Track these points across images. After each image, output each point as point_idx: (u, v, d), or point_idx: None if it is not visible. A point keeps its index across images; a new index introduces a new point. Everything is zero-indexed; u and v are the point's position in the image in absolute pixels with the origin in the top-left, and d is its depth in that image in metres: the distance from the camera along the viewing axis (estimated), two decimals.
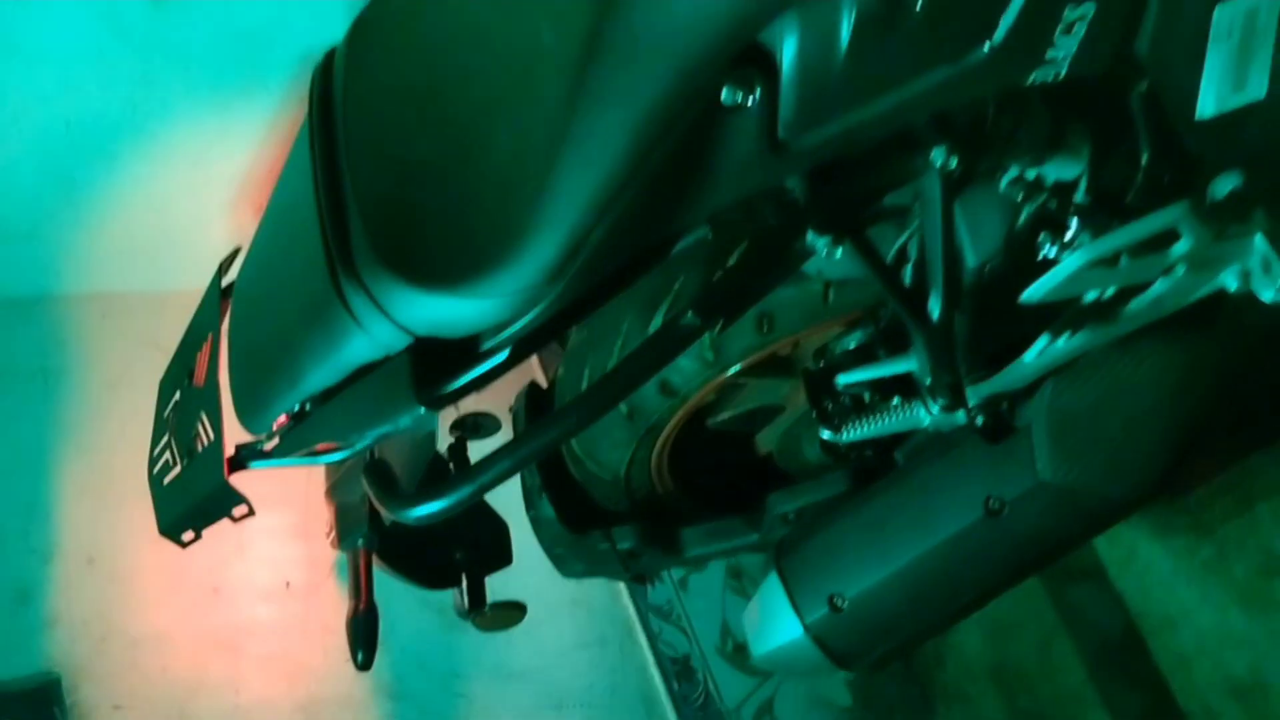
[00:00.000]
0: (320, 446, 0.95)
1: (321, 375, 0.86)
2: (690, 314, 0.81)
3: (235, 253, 1.12)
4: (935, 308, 0.86)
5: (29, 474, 1.30)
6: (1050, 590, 1.38)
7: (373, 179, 0.82)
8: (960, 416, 0.91)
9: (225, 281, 1.11)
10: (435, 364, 0.80)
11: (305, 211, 0.85)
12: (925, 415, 0.92)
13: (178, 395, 1.13)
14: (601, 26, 0.67)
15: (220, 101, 1.29)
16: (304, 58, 1.28)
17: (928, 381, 0.90)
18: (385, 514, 0.87)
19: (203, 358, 1.09)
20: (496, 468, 0.83)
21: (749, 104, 0.68)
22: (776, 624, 1.03)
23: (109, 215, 1.40)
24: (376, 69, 0.88)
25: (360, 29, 0.92)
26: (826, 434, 0.98)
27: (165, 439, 1.13)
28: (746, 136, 0.71)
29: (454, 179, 0.77)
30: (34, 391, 1.37)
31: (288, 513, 1.39)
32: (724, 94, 0.68)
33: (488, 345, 0.79)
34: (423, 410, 0.78)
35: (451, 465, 1.30)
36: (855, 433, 0.96)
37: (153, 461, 1.14)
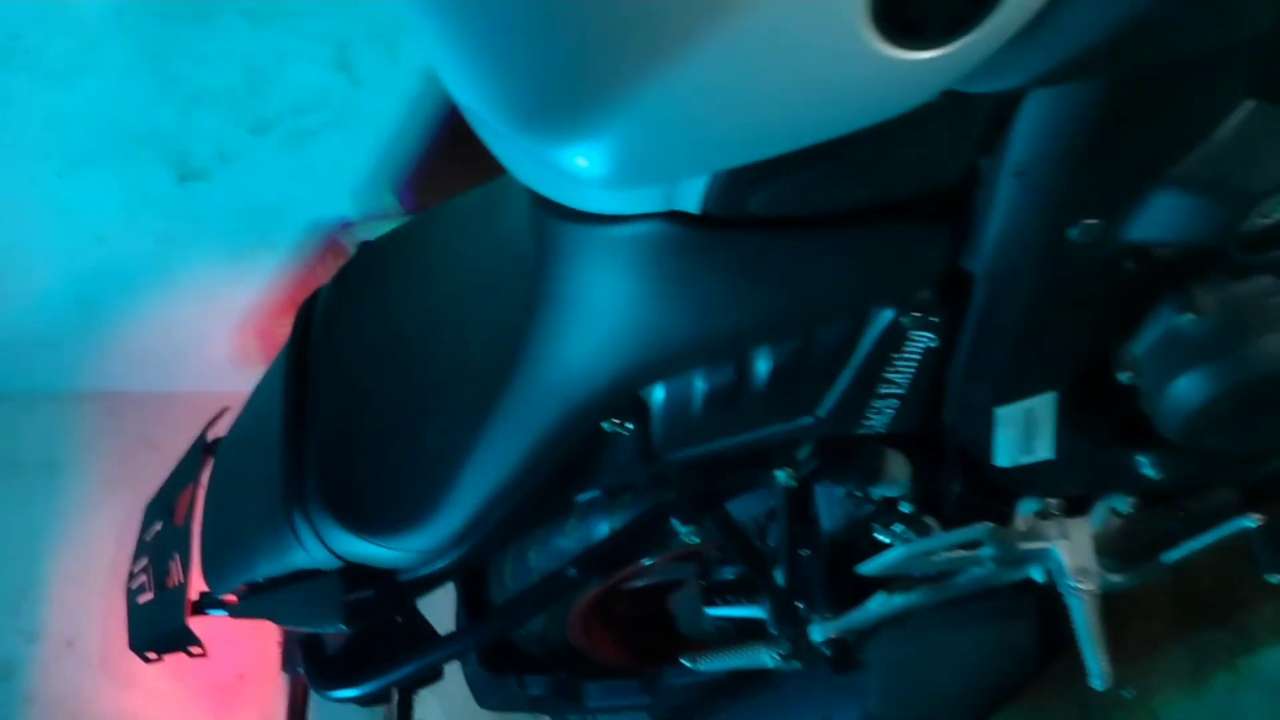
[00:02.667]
0: None
1: (268, 568, 1.06)
2: (572, 569, 1.01)
3: (222, 412, 1.32)
4: (780, 576, 1.06)
5: (25, 559, 1.50)
6: None
7: (330, 422, 1.02)
8: (797, 665, 1.10)
9: (211, 436, 1.31)
10: (362, 584, 1.00)
11: (273, 429, 1.05)
12: (769, 659, 1.11)
13: (159, 526, 1.33)
14: (513, 373, 0.87)
15: (232, 254, 1.50)
16: (310, 226, 1.49)
17: (774, 633, 1.10)
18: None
19: (183, 500, 1.29)
20: (409, 666, 1.04)
21: (625, 432, 0.88)
22: None
23: (120, 325, 1.60)
24: (350, 320, 1.08)
25: (344, 277, 1.12)
26: (687, 662, 1.18)
27: (144, 562, 1.33)
28: (625, 450, 0.91)
29: (393, 445, 0.97)
30: (37, 483, 1.57)
31: None
32: (605, 425, 0.88)
33: (405, 578, 1.00)
34: (343, 626, 0.98)
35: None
36: (712, 663, 1.15)
37: (131, 578, 1.34)
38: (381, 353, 1.03)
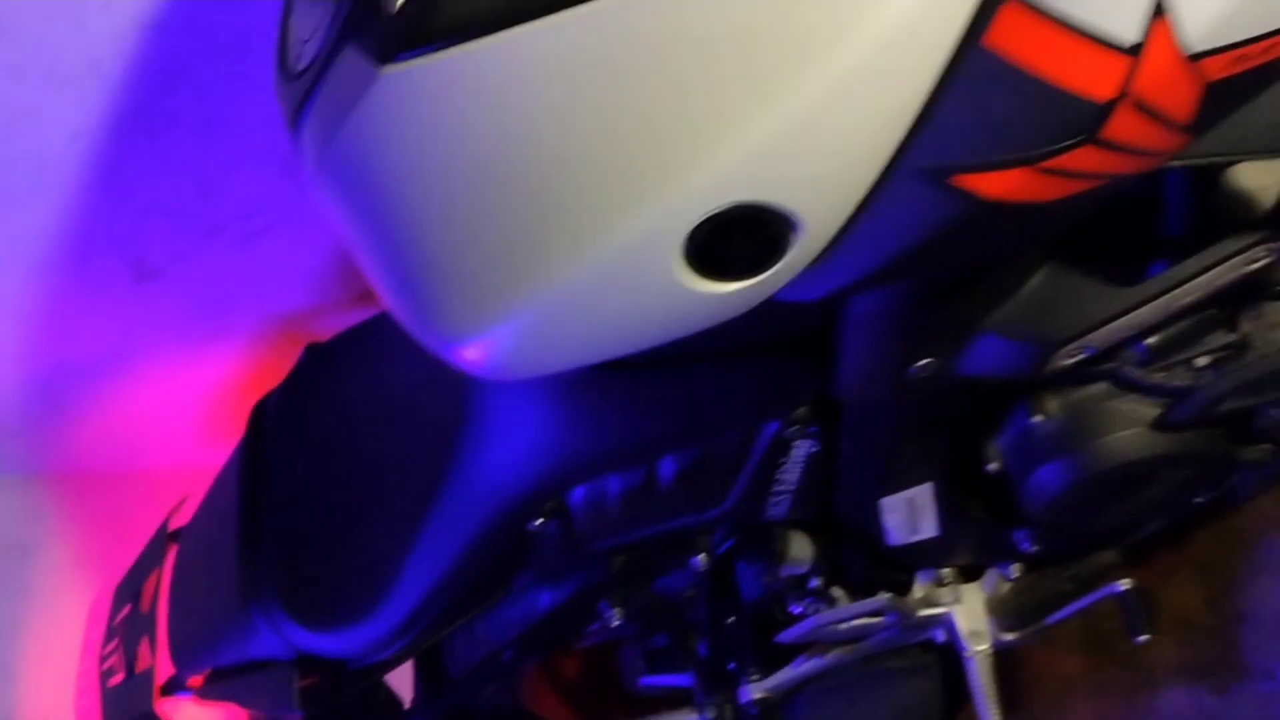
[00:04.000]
0: None
1: (230, 655, 1.15)
2: (510, 651, 1.11)
3: (183, 501, 1.41)
4: (703, 649, 1.17)
5: None
6: None
7: (282, 521, 1.12)
8: None
9: (174, 525, 1.40)
10: (317, 672, 1.10)
11: (231, 526, 1.15)
12: None
13: (128, 609, 1.42)
14: (445, 479, 0.97)
15: (190, 343, 1.59)
16: (265, 315, 1.59)
17: (699, 699, 1.20)
18: None
19: (149, 586, 1.38)
20: None
21: (549, 530, 0.99)
22: None
23: (83, 410, 1.69)
24: (299, 423, 1.18)
25: (293, 380, 1.22)
26: None
27: (115, 643, 1.42)
28: (552, 544, 1.01)
29: (339, 544, 1.07)
30: (5, 565, 1.66)
31: None
32: (530, 526, 0.98)
33: (358, 666, 1.10)
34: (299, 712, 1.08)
35: None
36: None
37: (103, 659, 1.44)
38: (328, 455, 1.13)
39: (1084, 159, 0.49)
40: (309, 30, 0.63)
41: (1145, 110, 0.46)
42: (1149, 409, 0.87)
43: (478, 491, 0.97)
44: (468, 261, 0.56)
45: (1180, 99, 0.47)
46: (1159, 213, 0.72)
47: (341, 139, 0.57)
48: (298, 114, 0.62)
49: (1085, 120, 0.47)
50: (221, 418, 1.75)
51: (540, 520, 0.97)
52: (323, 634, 1.04)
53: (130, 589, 1.42)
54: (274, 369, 1.31)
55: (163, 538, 1.39)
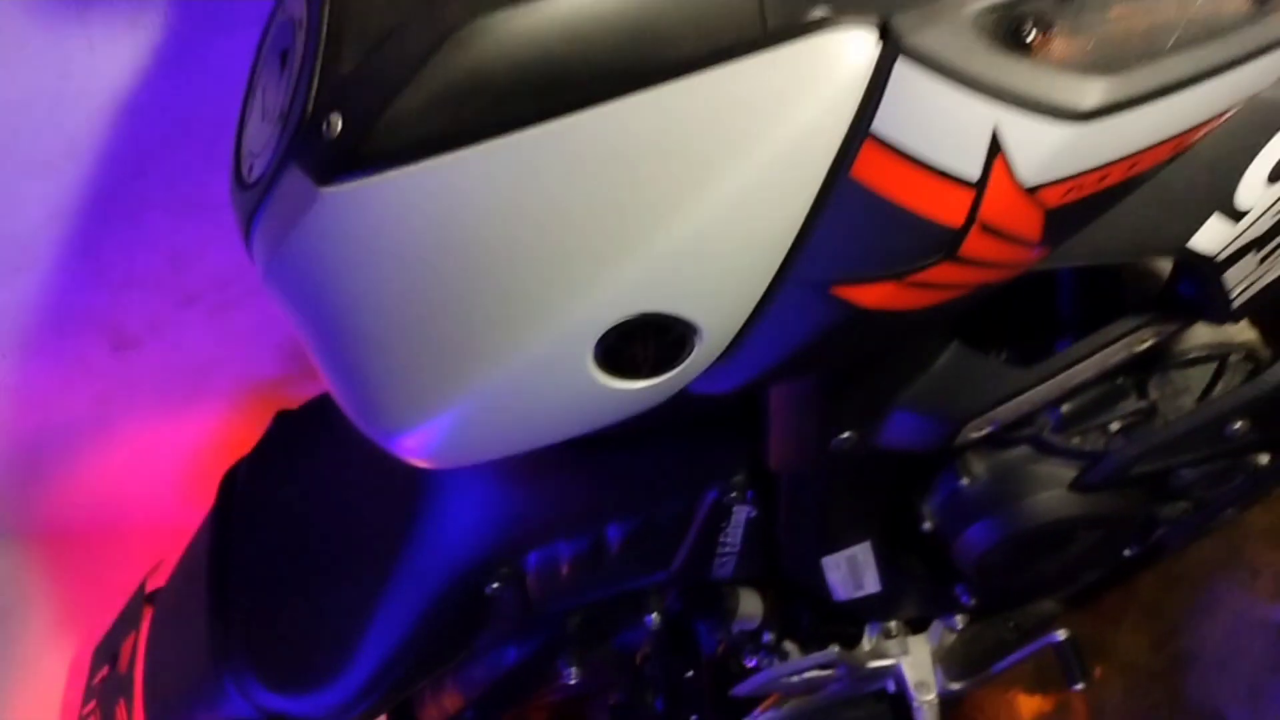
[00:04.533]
0: None
1: (202, 718, 1.19)
2: (470, 712, 1.16)
3: (159, 564, 1.46)
4: (659, 704, 1.21)
5: None
6: None
7: (251, 587, 1.16)
8: None
9: (150, 587, 1.44)
10: None
11: (202, 592, 1.20)
12: None
13: (106, 670, 1.46)
14: (403, 546, 1.02)
15: (166, 409, 1.64)
16: (240, 384, 1.64)
17: None
18: None
19: (126, 648, 1.42)
20: None
21: (505, 594, 1.03)
22: None
23: (63, 474, 1.74)
24: (267, 490, 1.23)
25: (262, 448, 1.27)
26: None
27: (93, 704, 1.46)
28: (508, 607, 1.06)
29: (305, 610, 1.12)
30: None
31: None
32: (487, 590, 1.03)
33: None
34: None
35: None
36: None
37: (82, 719, 1.47)
38: (295, 520, 1.17)
39: (945, 273, 0.54)
40: (260, 145, 0.69)
41: (995, 233, 0.52)
42: (1068, 471, 0.93)
43: (434, 558, 1.02)
44: (400, 365, 0.61)
45: (1025, 223, 0.53)
46: (1056, 294, 0.78)
47: (286, 251, 0.63)
48: (249, 224, 0.68)
49: (942, 242, 0.53)
50: (197, 481, 1.79)
51: (496, 584, 1.02)
52: (290, 697, 1.08)
53: (108, 650, 1.45)
54: (246, 434, 1.36)
55: (140, 600, 1.43)
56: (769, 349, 0.60)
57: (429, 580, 1.03)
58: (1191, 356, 0.90)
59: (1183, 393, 0.91)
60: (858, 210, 0.52)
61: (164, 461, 1.75)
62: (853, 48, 0.49)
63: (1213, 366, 0.91)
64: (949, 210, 0.51)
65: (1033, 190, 0.51)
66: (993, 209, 0.51)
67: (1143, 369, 0.90)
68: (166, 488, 1.79)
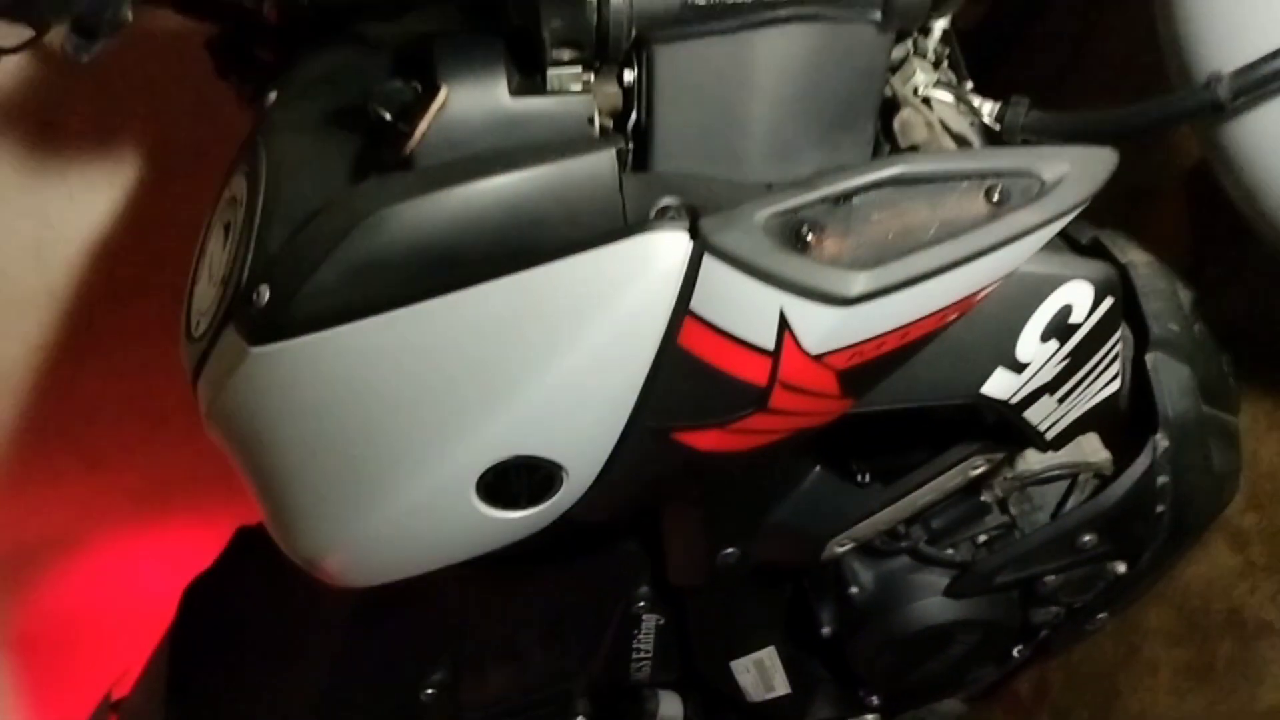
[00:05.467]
0: None
1: None
2: None
3: (124, 674, 1.53)
4: None
5: None
6: None
7: (210, 692, 1.25)
8: None
9: (115, 695, 1.52)
10: None
11: (160, 699, 1.28)
12: None
13: None
14: (344, 662, 1.11)
15: (136, 525, 1.74)
16: (204, 502, 1.74)
17: None
18: None
19: None
20: None
21: (438, 702, 1.12)
22: None
23: (39, 582, 1.82)
24: (227, 599, 1.32)
25: (220, 565, 1.36)
26: None
27: None
28: (442, 713, 1.14)
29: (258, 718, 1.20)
30: None
31: None
32: (422, 696, 1.12)
33: None
34: None
35: None
36: None
37: None
38: (249, 634, 1.27)
39: (762, 422, 0.66)
40: (205, 305, 0.81)
41: (795, 390, 0.64)
42: (942, 580, 1.03)
43: (371, 670, 1.11)
44: (313, 499, 0.72)
45: (820, 382, 0.64)
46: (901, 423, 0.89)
47: (222, 398, 0.74)
48: (195, 373, 0.79)
49: (753, 397, 0.64)
50: (163, 592, 1.88)
51: (430, 691, 1.11)
52: None
53: None
54: (209, 549, 1.45)
55: (105, 708, 1.50)
56: (629, 483, 0.71)
57: (367, 692, 1.12)
58: (1046, 476, 1.01)
59: (1039, 509, 1.02)
60: (686, 371, 0.64)
61: (132, 573, 1.84)
62: (671, 245, 0.61)
63: (1065, 485, 1.02)
64: (755, 373, 0.63)
65: (819, 357, 0.62)
66: (789, 372, 0.63)
67: (1006, 487, 1.01)
68: (133, 599, 1.87)
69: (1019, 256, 0.64)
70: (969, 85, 0.93)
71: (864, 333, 0.62)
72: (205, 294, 0.82)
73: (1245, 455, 1.11)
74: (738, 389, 0.64)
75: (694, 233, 0.61)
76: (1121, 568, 1.05)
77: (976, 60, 0.89)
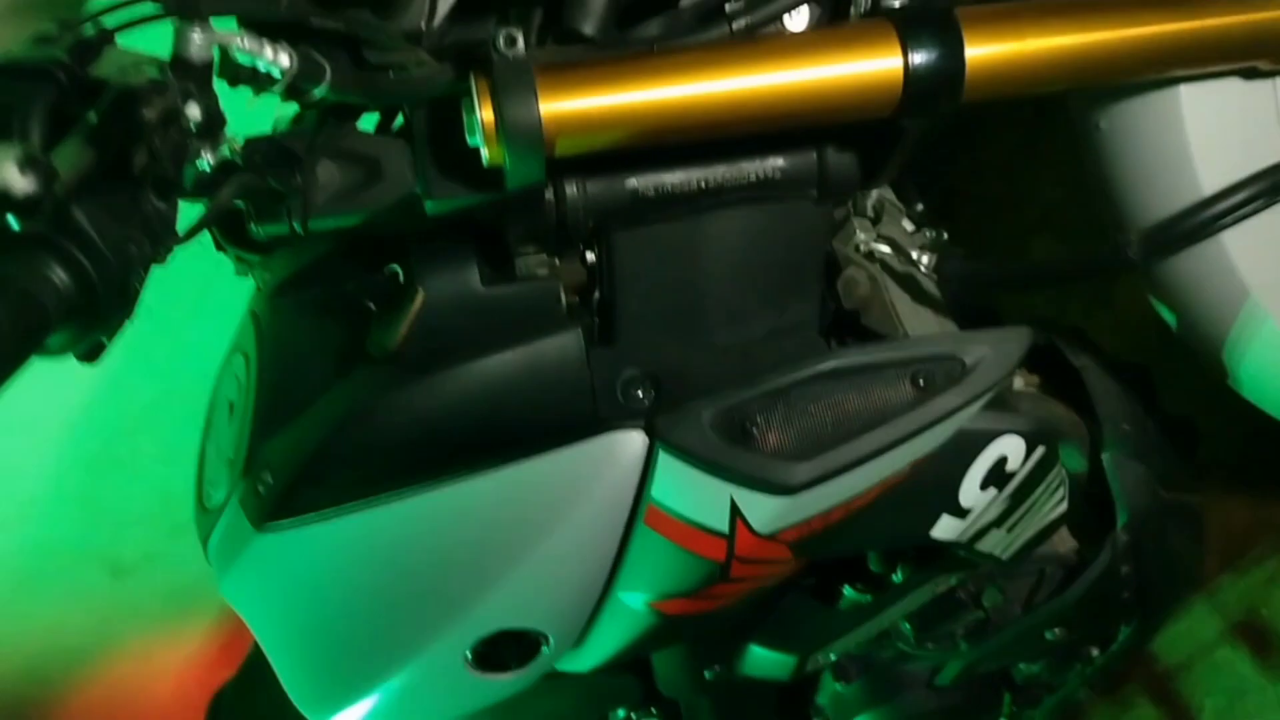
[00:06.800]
0: None
1: None
2: None
3: None
4: None
5: None
6: None
7: None
8: None
9: None
10: None
11: None
12: None
13: None
14: None
15: (164, 626, 1.81)
16: (226, 608, 1.81)
17: None
18: None
19: None
20: None
21: None
22: None
23: (67, 689, 1.90)
24: (250, 708, 1.39)
25: (242, 676, 1.43)
26: None
27: None
28: None
29: None
30: None
31: None
32: None
33: None
34: None
35: None
36: None
37: None
38: None
39: (725, 589, 0.73)
40: (215, 479, 0.88)
41: (752, 562, 0.70)
42: (926, 670, 1.09)
43: None
44: (320, 667, 0.79)
45: (773, 553, 0.71)
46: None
47: (232, 573, 0.81)
48: (206, 541, 0.86)
49: (714, 571, 0.71)
50: (188, 696, 1.95)
51: None
52: None
53: None
54: (233, 653, 1.52)
55: None
56: (609, 644, 0.78)
57: None
58: (1015, 571, 1.07)
59: (1012, 602, 1.08)
60: (652, 549, 0.71)
61: (158, 678, 1.91)
62: (631, 441, 0.68)
63: (1034, 579, 1.08)
64: (713, 551, 0.70)
65: (770, 535, 0.69)
66: (744, 549, 0.69)
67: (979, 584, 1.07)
68: (160, 702, 1.95)
69: (947, 432, 0.71)
70: (919, 207, 1.00)
71: (809, 511, 0.69)
72: (215, 468, 0.89)
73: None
74: (699, 564, 0.71)
75: (650, 430, 0.68)
76: (1095, 651, 1.10)
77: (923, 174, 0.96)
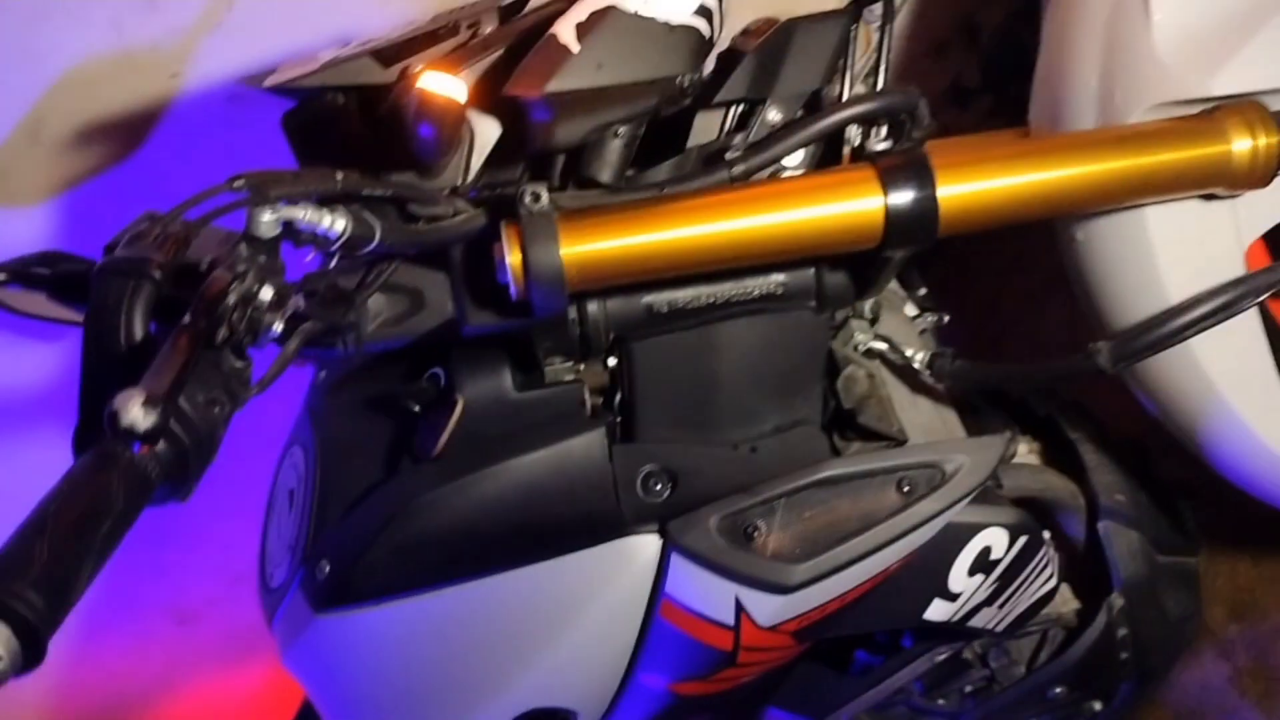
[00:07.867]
0: None
1: None
2: None
3: None
4: None
5: None
6: None
7: None
8: None
9: None
10: None
11: None
12: None
13: None
14: None
15: (224, 672, 1.92)
16: None
17: None
18: None
19: None
20: None
21: None
22: None
23: None
24: None
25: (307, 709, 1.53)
26: None
27: None
28: None
29: None
30: None
31: None
32: None
33: None
34: None
35: None
36: None
37: None
38: None
39: (734, 673, 0.81)
40: (277, 561, 0.98)
41: (758, 650, 0.79)
42: None
43: None
44: None
45: (777, 642, 0.79)
46: None
47: (294, 651, 0.91)
48: (270, 618, 0.96)
49: (723, 659, 0.79)
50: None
51: None
52: None
53: None
54: (295, 693, 1.63)
55: None
56: (638, 715, 0.86)
57: None
58: (1019, 632, 1.14)
59: (1016, 662, 1.15)
60: (667, 639, 0.79)
61: (227, 708, 2.03)
62: (646, 543, 0.77)
63: (1037, 639, 1.15)
64: (721, 641, 0.78)
65: (773, 628, 0.77)
66: (749, 639, 0.78)
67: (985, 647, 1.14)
68: None
69: (931, 531, 0.79)
70: (921, 291, 1.08)
71: (807, 606, 0.77)
72: (277, 552, 0.98)
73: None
74: (709, 653, 0.79)
75: (664, 533, 0.76)
76: (1098, 705, 1.17)
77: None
